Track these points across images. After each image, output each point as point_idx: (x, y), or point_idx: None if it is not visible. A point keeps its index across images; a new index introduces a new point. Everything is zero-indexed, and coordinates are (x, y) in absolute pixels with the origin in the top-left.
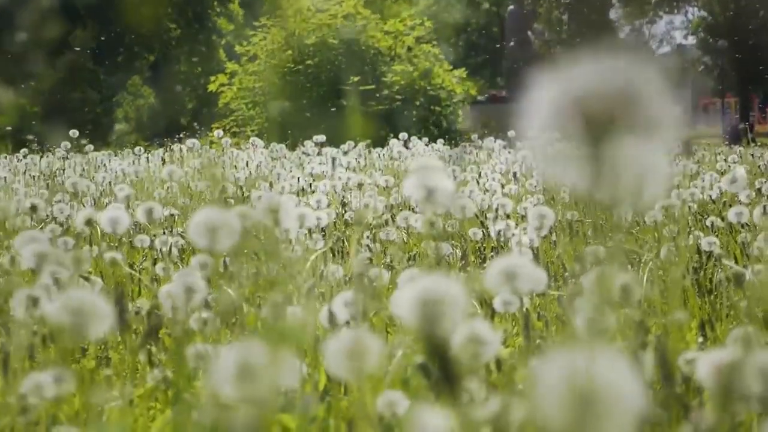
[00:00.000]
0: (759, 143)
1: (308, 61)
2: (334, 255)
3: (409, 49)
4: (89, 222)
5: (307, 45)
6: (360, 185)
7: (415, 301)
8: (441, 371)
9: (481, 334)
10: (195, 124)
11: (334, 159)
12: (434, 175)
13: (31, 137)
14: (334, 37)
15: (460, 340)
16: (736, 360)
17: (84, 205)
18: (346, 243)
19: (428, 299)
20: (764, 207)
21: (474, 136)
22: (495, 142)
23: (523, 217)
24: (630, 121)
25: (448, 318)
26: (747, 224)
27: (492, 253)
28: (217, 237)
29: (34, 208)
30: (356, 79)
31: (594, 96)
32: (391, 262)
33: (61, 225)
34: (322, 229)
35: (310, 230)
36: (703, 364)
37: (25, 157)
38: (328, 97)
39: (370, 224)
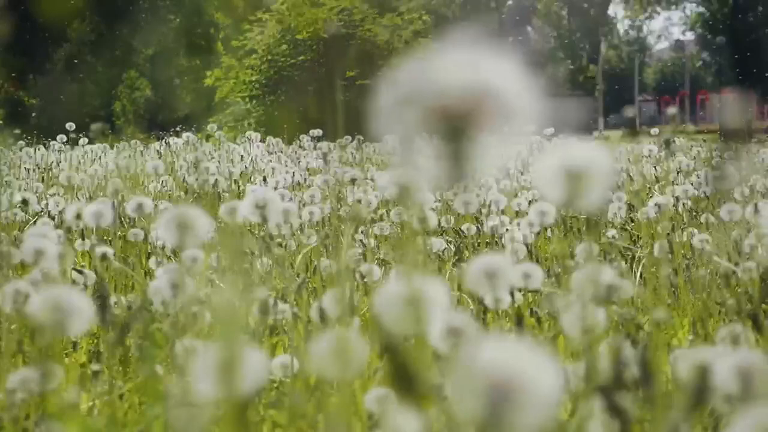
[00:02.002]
0: (756, 139)
1: (302, 57)
2: (327, 250)
3: (407, 43)
4: (78, 216)
5: (303, 39)
6: (352, 180)
7: (396, 300)
8: (401, 371)
9: (457, 326)
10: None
11: (325, 155)
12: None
13: (18, 131)
14: (327, 32)
15: (439, 332)
16: (708, 358)
17: (79, 199)
18: (341, 238)
19: (409, 298)
20: (755, 205)
21: None
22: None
23: (518, 213)
24: (487, 115)
25: (428, 317)
26: (740, 221)
27: (486, 249)
28: (187, 234)
29: (25, 202)
30: (352, 73)
31: (449, 90)
32: (385, 257)
33: (54, 218)
34: (317, 224)
35: (300, 226)
36: (684, 361)
37: (21, 149)
38: (324, 91)
39: (364, 219)
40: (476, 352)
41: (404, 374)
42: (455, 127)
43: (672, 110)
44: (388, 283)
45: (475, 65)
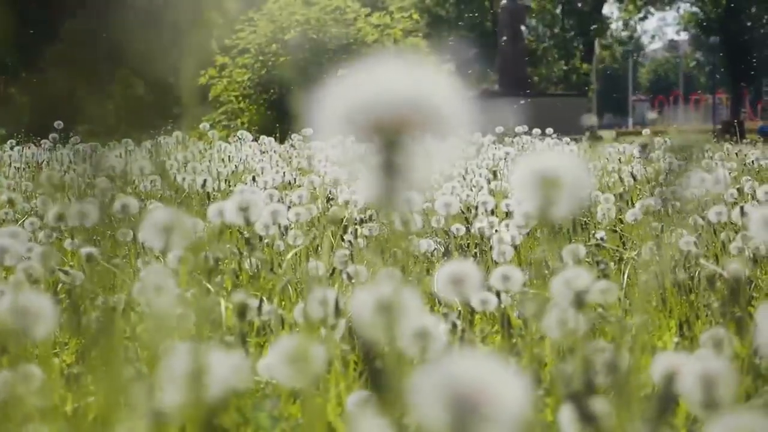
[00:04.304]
0: (749, 139)
1: (291, 56)
2: (315, 251)
3: (395, 41)
4: (61, 217)
5: (291, 38)
6: (336, 181)
7: (369, 306)
8: (374, 377)
9: (428, 330)
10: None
11: (310, 157)
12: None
13: (9, 129)
14: (319, 31)
15: (408, 336)
16: (676, 364)
17: (69, 198)
18: (331, 239)
19: (381, 304)
20: (741, 207)
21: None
22: (485, 137)
23: (508, 214)
24: (422, 126)
25: (399, 323)
26: (731, 222)
27: (476, 250)
28: (171, 237)
29: (11, 202)
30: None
31: (384, 102)
32: (369, 259)
33: (42, 218)
34: (306, 224)
35: (286, 227)
36: (658, 367)
37: (11, 148)
38: (314, 90)
39: (355, 220)
40: (444, 363)
41: (378, 379)
42: (391, 139)
43: (653, 115)
44: (362, 288)
45: (409, 79)
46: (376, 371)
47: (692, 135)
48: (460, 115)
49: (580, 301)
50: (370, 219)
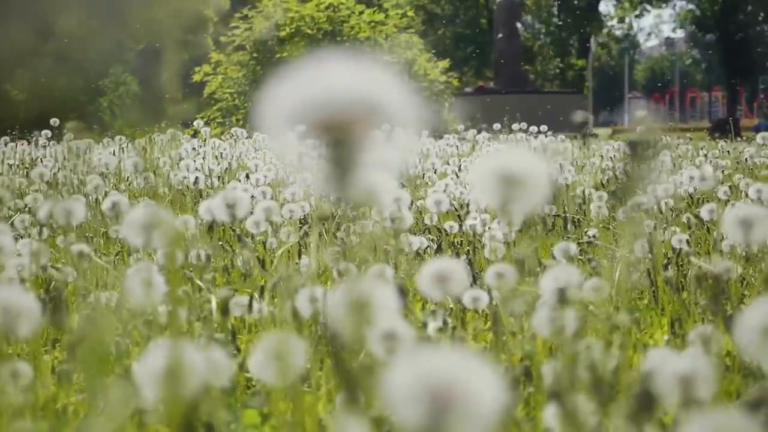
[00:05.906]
0: (744, 137)
1: (285, 53)
2: (307, 248)
3: (387, 37)
4: (52, 214)
5: (290, 34)
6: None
7: (343, 303)
8: (343, 376)
9: (396, 331)
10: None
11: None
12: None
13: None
14: (312, 28)
15: (376, 336)
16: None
17: (62, 196)
18: (324, 236)
19: (355, 302)
20: (732, 205)
21: (460, 128)
22: (480, 134)
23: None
24: (369, 124)
25: (373, 321)
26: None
27: (468, 247)
28: (152, 235)
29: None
30: None
31: (332, 100)
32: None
33: (34, 215)
34: (299, 221)
35: (277, 224)
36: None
37: (5, 145)
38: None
39: (349, 217)
40: (417, 360)
41: (347, 378)
42: (338, 137)
43: (641, 113)
44: (338, 287)
45: (356, 78)
46: (345, 370)
47: (650, 131)
48: (407, 113)
49: (564, 298)
50: (363, 216)
